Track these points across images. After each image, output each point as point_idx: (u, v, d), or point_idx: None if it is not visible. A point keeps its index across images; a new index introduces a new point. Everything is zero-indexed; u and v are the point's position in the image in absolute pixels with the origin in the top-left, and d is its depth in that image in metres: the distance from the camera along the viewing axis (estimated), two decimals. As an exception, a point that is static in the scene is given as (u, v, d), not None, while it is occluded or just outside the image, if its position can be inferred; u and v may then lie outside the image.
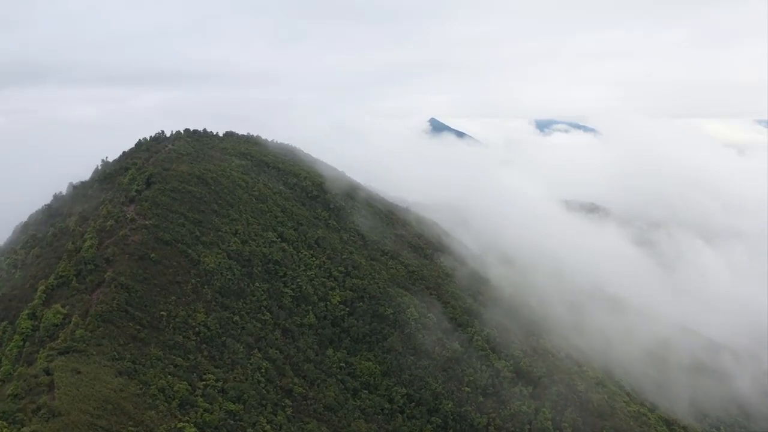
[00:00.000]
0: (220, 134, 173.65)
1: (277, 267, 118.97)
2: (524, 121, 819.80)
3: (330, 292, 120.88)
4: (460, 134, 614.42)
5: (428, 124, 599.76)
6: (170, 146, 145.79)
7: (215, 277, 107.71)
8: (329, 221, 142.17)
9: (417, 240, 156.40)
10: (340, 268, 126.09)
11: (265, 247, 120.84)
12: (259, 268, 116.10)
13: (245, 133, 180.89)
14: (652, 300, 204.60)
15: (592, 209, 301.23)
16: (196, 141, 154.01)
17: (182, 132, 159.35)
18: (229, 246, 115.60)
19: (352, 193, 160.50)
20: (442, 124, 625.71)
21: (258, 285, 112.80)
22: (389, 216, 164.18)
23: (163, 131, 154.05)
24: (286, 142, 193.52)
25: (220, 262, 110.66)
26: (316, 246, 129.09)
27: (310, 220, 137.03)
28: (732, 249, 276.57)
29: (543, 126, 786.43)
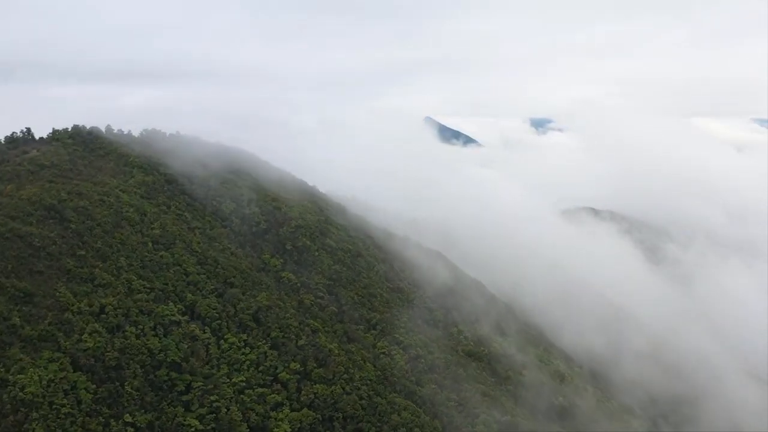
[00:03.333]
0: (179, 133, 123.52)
1: (176, 375, 65.70)
2: (520, 120, 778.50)
3: (273, 414, 67.86)
4: (456, 134, 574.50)
5: (423, 123, 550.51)
6: (34, 152, 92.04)
7: (37, 414, 54.48)
8: (282, 273, 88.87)
9: (418, 293, 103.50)
10: (294, 364, 72.99)
11: (155, 336, 67.51)
12: (138, 382, 62.69)
13: (175, 132, 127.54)
14: (686, 332, 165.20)
15: (596, 216, 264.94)
16: (82, 145, 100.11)
17: (69, 130, 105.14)
18: (79, 342, 62.14)
19: (323, 223, 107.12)
20: (438, 123, 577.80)
21: (129, 418, 59.53)
22: (380, 253, 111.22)
23: (28, 129, 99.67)
24: (242, 146, 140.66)
25: (50, 381, 57.31)
26: (253, 324, 75.73)
27: (249, 276, 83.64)
28: (749, 261, 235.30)
29: (538, 125, 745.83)
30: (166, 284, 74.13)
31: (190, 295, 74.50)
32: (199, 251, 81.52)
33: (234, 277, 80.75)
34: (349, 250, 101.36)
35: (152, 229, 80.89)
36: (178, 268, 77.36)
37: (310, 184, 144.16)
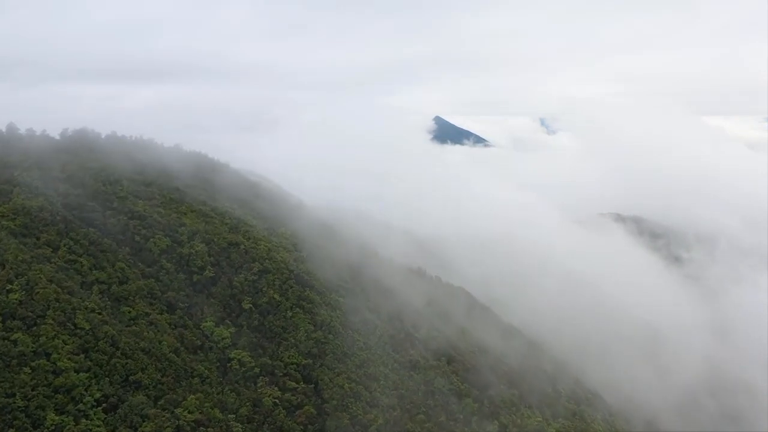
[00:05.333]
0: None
1: None
2: (530, 119, 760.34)
3: None
4: (467, 134, 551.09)
5: (433, 123, 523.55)
6: None
7: None
8: (232, 353, 57.02)
9: (440, 367, 71.55)
10: None
11: None
12: None
13: (111, 133, 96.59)
14: (732, 361, 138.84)
15: (615, 222, 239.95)
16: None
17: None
18: None
19: (303, 262, 75.24)
20: (448, 123, 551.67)
21: None
22: (386, 302, 79.32)
23: None
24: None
25: None
26: (166, 462, 44.07)
27: (173, 365, 51.97)
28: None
29: (549, 124, 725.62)
30: (11, 397, 42.56)
31: (52, 414, 42.84)
32: (88, 327, 49.84)
33: (143, 370, 49.01)
34: (339, 305, 69.42)
35: (9, 291, 49.33)
36: (43, 361, 45.77)
37: (299, 197, 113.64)
